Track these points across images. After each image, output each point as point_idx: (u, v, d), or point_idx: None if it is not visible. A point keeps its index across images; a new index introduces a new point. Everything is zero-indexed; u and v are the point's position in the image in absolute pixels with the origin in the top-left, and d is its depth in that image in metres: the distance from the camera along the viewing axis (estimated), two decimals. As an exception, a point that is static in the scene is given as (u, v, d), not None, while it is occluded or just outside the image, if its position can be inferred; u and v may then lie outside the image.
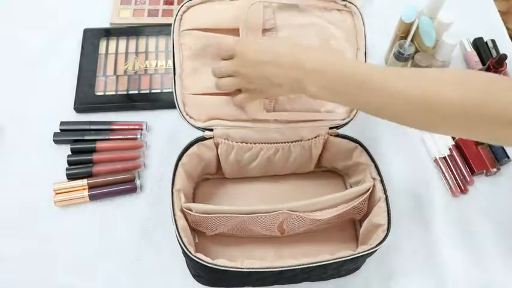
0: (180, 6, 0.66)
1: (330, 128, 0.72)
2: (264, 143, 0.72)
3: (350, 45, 0.70)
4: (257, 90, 0.64)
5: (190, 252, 0.60)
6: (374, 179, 0.69)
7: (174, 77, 0.68)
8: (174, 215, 0.64)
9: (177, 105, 0.68)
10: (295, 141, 0.72)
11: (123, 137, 0.83)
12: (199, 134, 0.71)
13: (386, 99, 0.54)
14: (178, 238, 0.61)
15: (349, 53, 0.70)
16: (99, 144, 0.81)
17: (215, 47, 0.67)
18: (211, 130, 0.70)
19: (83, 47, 0.93)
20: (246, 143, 0.72)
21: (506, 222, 0.78)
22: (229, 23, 0.66)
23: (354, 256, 0.61)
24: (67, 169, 0.78)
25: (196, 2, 0.66)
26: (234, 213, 0.65)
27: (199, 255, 0.60)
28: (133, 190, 0.78)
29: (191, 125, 0.70)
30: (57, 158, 0.80)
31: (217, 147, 0.72)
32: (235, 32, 0.66)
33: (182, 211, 0.66)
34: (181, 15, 0.66)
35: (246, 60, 0.62)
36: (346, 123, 0.72)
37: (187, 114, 0.69)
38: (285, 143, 0.72)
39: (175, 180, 0.67)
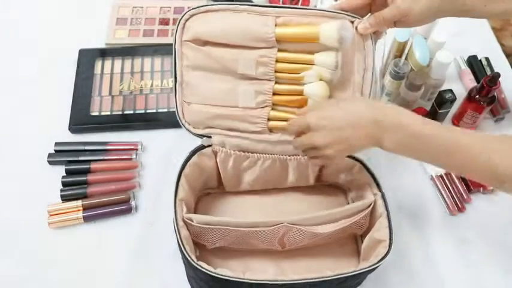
0: (182, 14, 0.65)
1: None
2: (261, 153, 0.73)
3: (357, 64, 0.67)
4: (333, 154, 0.63)
5: (192, 260, 0.60)
6: (375, 194, 0.69)
7: (175, 85, 0.69)
8: (176, 224, 0.63)
9: (176, 112, 0.70)
10: (292, 156, 0.73)
11: (118, 157, 0.82)
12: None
13: (468, 163, 0.57)
14: (181, 246, 0.61)
15: (356, 73, 0.68)
16: (94, 165, 0.81)
17: (215, 62, 0.68)
18: (210, 137, 0.72)
19: (78, 67, 0.93)
20: (244, 152, 0.73)
21: (504, 240, 0.78)
22: (233, 38, 0.65)
23: (356, 273, 0.61)
24: (61, 190, 0.78)
25: (199, 11, 0.65)
26: (234, 225, 0.65)
27: (201, 263, 0.60)
28: (128, 211, 0.77)
29: (189, 131, 0.71)
30: (51, 179, 0.80)
31: (215, 156, 0.73)
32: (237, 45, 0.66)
33: (184, 221, 0.66)
34: (184, 23, 0.66)
35: (326, 130, 0.61)
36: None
37: (186, 121, 0.71)
38: (282, 155, 0.73)
39: (178, 190, 0.67)
